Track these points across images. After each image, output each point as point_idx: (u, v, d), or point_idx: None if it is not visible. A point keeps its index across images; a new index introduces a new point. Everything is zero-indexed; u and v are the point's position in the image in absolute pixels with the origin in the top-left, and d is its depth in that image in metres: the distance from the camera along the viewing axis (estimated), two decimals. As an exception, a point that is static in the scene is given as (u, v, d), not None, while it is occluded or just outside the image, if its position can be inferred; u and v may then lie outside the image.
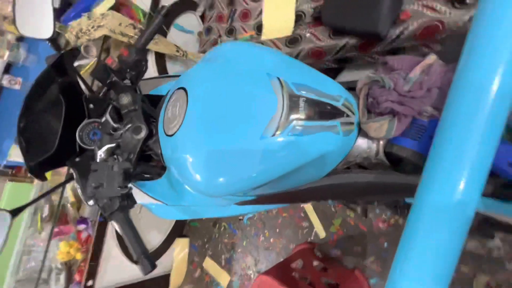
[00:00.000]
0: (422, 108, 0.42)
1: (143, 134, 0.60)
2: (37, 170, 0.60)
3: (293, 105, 0.42)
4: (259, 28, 1.36)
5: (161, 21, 0.68)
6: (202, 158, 0.46)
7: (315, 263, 1.23)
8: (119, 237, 1.44)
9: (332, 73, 1.34)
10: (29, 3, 0.66)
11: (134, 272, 1.52)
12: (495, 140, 0.33)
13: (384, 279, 1.13)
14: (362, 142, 0.49)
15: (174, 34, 1.75)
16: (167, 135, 0.51)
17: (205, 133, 0.46)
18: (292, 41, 1.24)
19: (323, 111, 0.43)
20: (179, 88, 0.52)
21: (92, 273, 1.30)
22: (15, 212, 0.60)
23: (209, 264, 1.67)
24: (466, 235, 0.34)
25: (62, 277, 1.25)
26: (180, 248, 1.79)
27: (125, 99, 0.65)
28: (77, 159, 0.69)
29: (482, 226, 0.77)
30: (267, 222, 1.51)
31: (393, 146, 0.46)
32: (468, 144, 0.33)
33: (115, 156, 0.61)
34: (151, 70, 1.65)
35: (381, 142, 0.48)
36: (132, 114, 0.64)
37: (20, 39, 1.99)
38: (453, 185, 0.33)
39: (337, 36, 1.12)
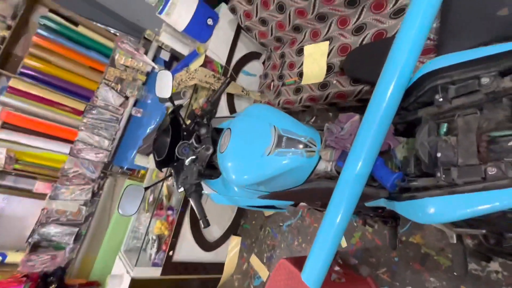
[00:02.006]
0: (346, 145, 0.74)
1: (210, 151, 1.07)
2: (158, 166, 1.14)
3: (279, 141, 0.81)
4: (300, 75, 1.77)
5: (225, 87, 1.18)
6: (235, 165, 0.88)
7: (336, 268, 1.46)
8: (192, 227, 1.99)
9: (361, 110, 1.62)
10: (161, 80, 1.25)
11: (199, 255, 2.03)
12: (368, 168, 0.64)
13: (393, 288, 1.28)
14: (322, 163, 0.82)
15: (241, 78, 2.32)
16: (220, 153, 0.96)
17: (237, 153, 0.88)
18: (323, 86, 1.60)
19: (295, 144, 0.80)
20: (227, 128, 0.97)
21: (172, 247, 1.86)
22: (146, 188, 1.16)
23: (254, 260, 2.04)
24: (357, 200, 0.64)
25: (155, 244, 1.85)
26: (234, 244, 2.23)
27: (203, 130, 1.16)
28: (175, 164, 1.22)
29: (480, 250, 0.95)
30: (301, 230, 1.80)
31: (336, 166, 0.78)
32: (354, 169, 0.65)
33: (195, 163, 1.10)
34: (223, 105, 2.24)
35: (333, 164, 0.81)
36: (206, 140, 1.13)
37: (144, 83, 2.96)
38: (345, 189, 0.66)
39: (356, 83, 1.43)
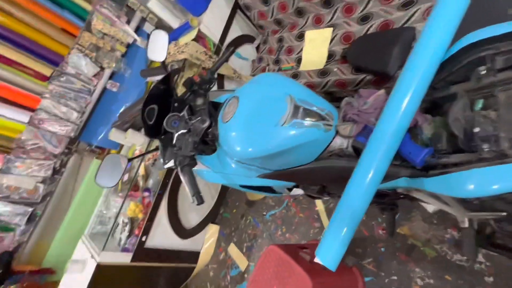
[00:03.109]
0: (370, 119, 0.70)
1: (207, 124, 0.97)
2: (148, 133, 1.00)
3: (295, 111, 0.74)
4: (299, 61, 1.72)
5: (229, 55, 1.08)
6: (240, 136, 0.79)
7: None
8: (169, 211, 1.84)
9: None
10: (155, 41, 1.11)
11: (174, 242, 1.90)
12: (396, 143, 0.60)
13: (378, 279, 1.29)
14: (338, 139, 0.77)
15: (233, 60, 2.21)
16: (224, 122, 0.87)
17: (245, 122, 0.80)
18: (323, 73, 1.56)
19: (312, 116, 0.73)
20: (234, 96, 0.88)
21: (146, 231, 1.70)
22: (130, 159, 1.02)
23: (233, 250, 1.96)
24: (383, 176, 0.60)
25: (127, 228, 1.68)
26: (211, 233, 2.12)
27: (200, 101, 1.05)
28: (162, 137, 1.09)
29: (468, 243, 0.95)
30: (286, 219, 1.76)
31: (355, 141, 0.74)
32: (382, 144, 0.61)
33: (189, 135, 0.99)
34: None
35: (350, 140, 0.76)
36: (201, 111, 1.02)
37: (123, 55, 2.70)
38: (371, 165, 0.61)
39: (358, 72, 1.41)
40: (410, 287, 1.18)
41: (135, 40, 2.68)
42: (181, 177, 0.91)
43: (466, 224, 0.70)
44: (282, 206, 1.82)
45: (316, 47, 1.63)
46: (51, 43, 2.30)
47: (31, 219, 2.19)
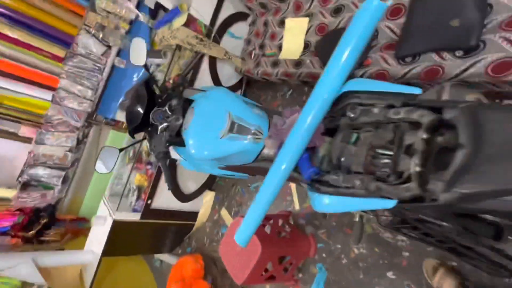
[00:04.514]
0: (283, 138, 0.88)
1: (180, 122, 1.19)
2: (131, 133, 1.26)
3: (231, 126, 0.94)
4: (280, 48, 1.80)
5: (190, 69, 1.24)
6: (195, 142, 1.02)
7: (286, 227, 1.74)
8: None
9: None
10: (136, 48, 1.29)
11: (176, 205, 2.29)
12: (295, 158, 0.80)
13: (327, 246, 1.58)
14: (266, 149, 0.98)
15: (226, 40, 2.28)
16: (185, 129, 1.09)
17: (197, 132, 1.02)
18: (297, 64, 1.65)
19: (245, 131, 0.93)
20: (192, 107, 1.08)
21: (151, 196, 2.09)
22: (121, 150, 1.30)
23: (224, 213, 2.34)
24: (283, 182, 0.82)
25: (135, 193, 2.08)
26: (208, 198, 2.50)
27: (174, 102, 1.25)
28: (149, 129, 1.34)
29: (356, 231, 1.15)
30: (266, 191, 2.05)
31: (275, 154, 0.94)
32: (285, 157, 0.81)
33: (166, 131, 1.22)
34: (205, 68, 2.24)
35: (274, 151, 0.96)
36: (177, 110, 1.24)
37: (127, 32, 2.84)
38: (277, 171, 0.82)
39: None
40: (349, 254, 1.46)
41: (137, 16, 2.79)
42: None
43: (357, 218, 0.91)
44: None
45: (294, 36, 1.69)
46: (61, 25, 2.50)
47: (65, 180, 2.69)
